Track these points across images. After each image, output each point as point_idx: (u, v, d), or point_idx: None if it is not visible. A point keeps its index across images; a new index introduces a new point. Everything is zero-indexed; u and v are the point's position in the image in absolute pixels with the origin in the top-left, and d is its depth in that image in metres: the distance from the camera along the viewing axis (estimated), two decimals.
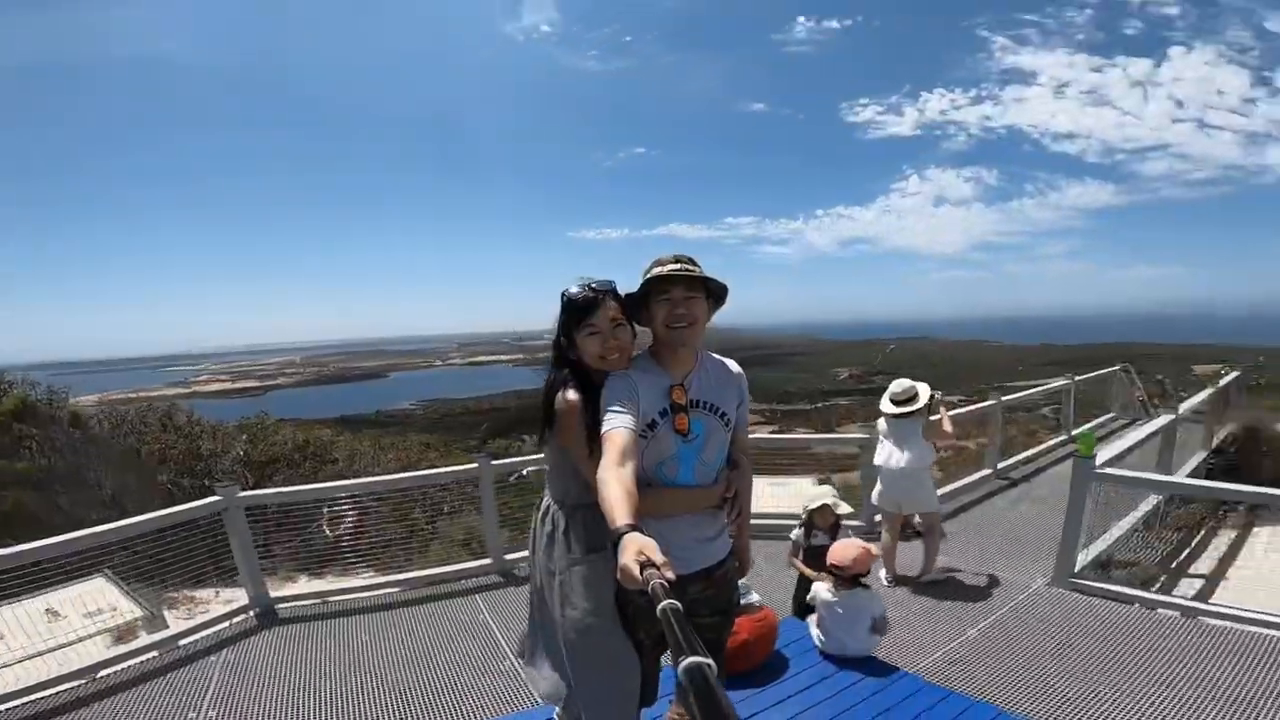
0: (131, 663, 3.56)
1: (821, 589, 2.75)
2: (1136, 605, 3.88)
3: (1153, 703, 2.85)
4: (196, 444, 7.02)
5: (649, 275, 1.82)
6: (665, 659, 2.01)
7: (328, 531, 5.33)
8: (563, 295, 1.84)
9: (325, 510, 5.00)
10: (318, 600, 4.30)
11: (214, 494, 4.03)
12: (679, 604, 0.95)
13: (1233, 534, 6.32)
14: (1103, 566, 4.57)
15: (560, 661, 2.00)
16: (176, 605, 4.47)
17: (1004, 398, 7.33)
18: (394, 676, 3.38)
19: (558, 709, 2.39)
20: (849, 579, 2.70)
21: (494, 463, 4.92)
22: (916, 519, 4.63)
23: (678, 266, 1.79)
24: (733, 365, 2.01)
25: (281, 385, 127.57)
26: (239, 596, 4.20)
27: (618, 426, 1.67)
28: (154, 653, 3.65)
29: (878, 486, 4.48)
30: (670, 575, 1.14)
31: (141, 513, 3.85)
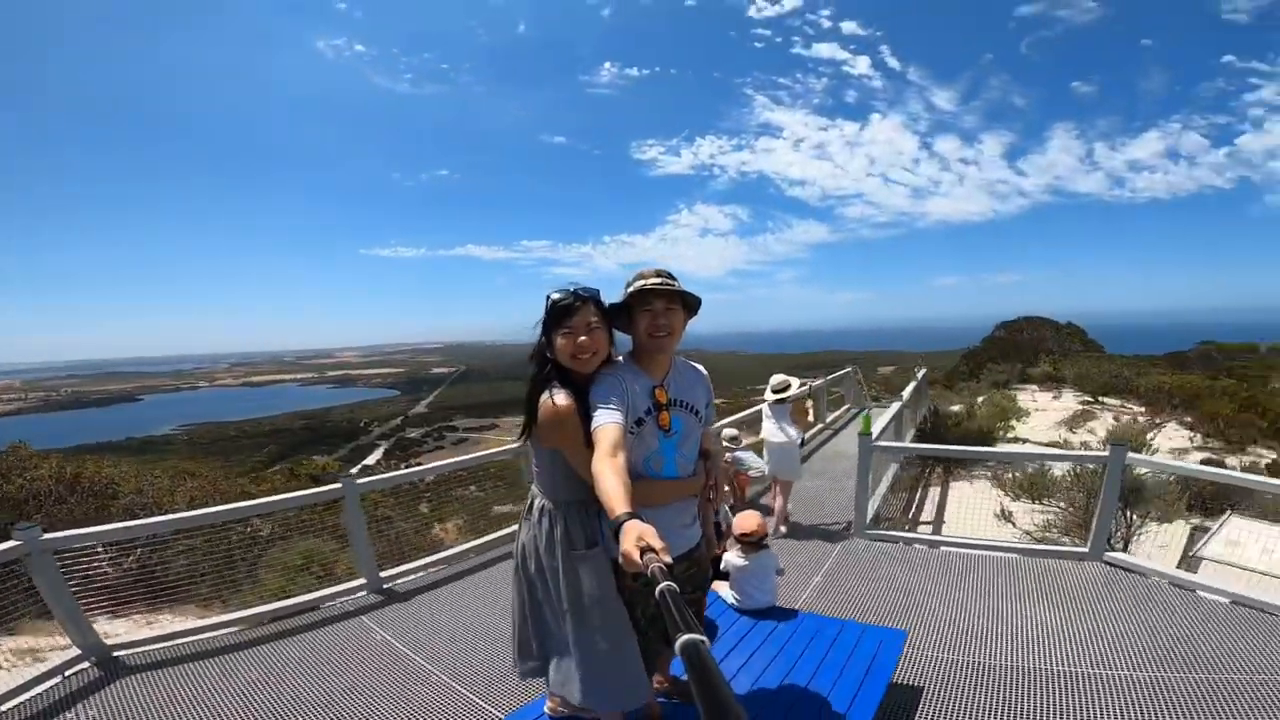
0: None
1: (732, 556, 3.01)
2: (901, 543, 4.86)
3: (931, 606, 3.69)
4: None
5: (633, 289, 1.89)
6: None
7: (108, 569, 4.32)
8: (547, 298, 1.82)
9: (102, 548, 4.03)
10: (166, 643, 3.41)
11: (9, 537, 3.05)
12: (675, 585, 1.01)
13: (938, 489, 8.16)
14: (876, 520, 5.61)
15: (559, 647, 1.96)
16: None
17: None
18: (322, 715, 2.79)
19: (547, 705, 2.30)
20: (754, 543, 3.00)
21: (359, 481, 4.46)
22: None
23: (659, 281, 1.86)
24: (700, 368, 2.14)
25: None
26: (49, 645, 3.20)
27: (609, 421, 1.69)
28: None
29: (765, 458, 5.14)
30: (668, 559, 1.18)
31: None
